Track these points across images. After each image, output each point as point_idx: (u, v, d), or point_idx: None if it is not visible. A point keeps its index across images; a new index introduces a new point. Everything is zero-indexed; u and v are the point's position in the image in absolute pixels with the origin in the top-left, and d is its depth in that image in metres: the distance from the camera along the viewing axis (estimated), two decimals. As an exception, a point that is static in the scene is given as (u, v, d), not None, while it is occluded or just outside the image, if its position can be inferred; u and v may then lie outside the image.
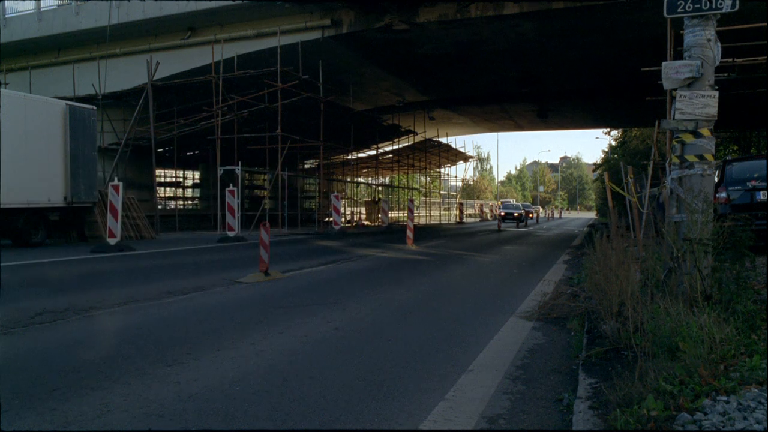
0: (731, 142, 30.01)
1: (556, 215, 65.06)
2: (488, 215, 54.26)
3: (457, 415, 3.46)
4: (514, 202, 52.03)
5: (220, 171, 19.96)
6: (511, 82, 25.02)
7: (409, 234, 15.87)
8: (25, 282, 8.28)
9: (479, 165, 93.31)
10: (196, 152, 29.32)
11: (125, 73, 20.69)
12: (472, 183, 75.49)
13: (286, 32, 18.59)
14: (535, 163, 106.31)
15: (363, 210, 37.88)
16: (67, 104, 14.40)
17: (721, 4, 5.20)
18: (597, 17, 16.05)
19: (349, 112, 25.57)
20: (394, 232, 23.94)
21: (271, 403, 3.53)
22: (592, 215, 67.13)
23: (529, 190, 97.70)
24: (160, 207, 22.94)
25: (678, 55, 6.61)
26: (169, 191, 31.36)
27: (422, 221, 39.06)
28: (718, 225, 5.03)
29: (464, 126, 38.74)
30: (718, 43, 5.44)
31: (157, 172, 22.85)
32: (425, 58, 20.98)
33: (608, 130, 41.08)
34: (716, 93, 5.30)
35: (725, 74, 11.66)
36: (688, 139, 5.34)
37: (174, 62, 20.28)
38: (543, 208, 70.52)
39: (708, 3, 5.23)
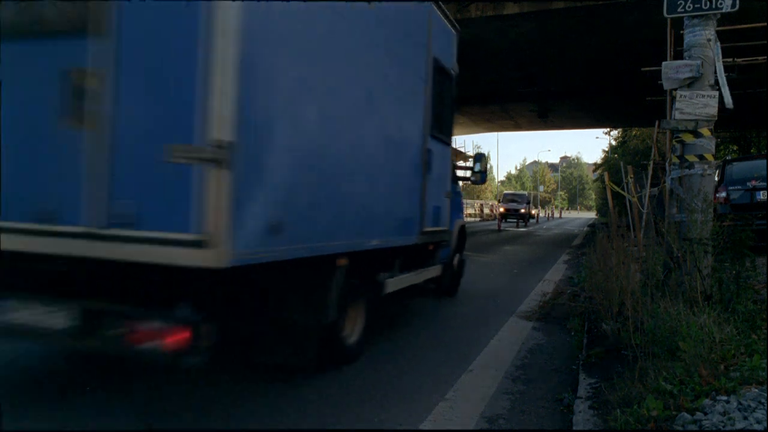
0: (731, 142, 29.99)
1: (556, 215, 65.03)
2: (489, 215, 54.24)
3: (457, 415, 3.47)
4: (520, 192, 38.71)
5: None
6: (511, 82, 24.99)
7: (409, 234, 15.79)
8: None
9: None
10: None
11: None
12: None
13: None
14: (535, 163, 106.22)
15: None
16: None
17: (721, 3, 5.20)
18: (597, 17, 16.04)
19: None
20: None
21: (271, 403, 3.53)
22: (592, 215, 67.08)
23: (529, 189, 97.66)
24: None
25: (678, 55, 6.61)
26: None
27: (422, 221, 38.87)
28: (717, 225, 5.04)
29: (464, 126, 38.65)
30: (718, 43, 5.45)
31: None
32: (425, 58, 20.95)
33: (608, 130, 41.01)
34: (716, 93, 5.31)
35: (725, 74, 11.64)
36: (688, 139, 5.34)
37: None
38: (543, 207, 70.23)
39: (708, 3, 5.24)
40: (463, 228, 7.92)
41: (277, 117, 3.05)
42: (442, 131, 5.98)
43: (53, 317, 2.97)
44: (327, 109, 3.55)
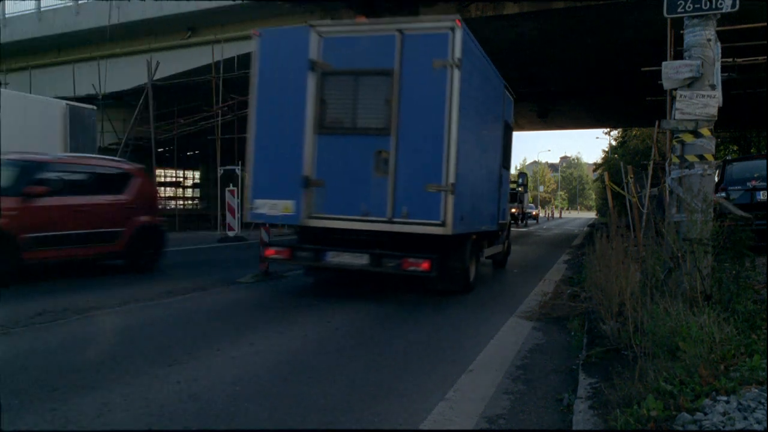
0: (731, 142, 29.98)
1: (556, 215, 64.99)
2: None
3: (457, 415, 3.47)
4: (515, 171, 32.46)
5: (220, 171, 19.91)
6: (511, 82, 24.93)
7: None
8: (24, 282, 8.27)
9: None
10: (196, 152, 29.21)
11: (125, 73, 20.64)
12: (472, 183, 74.79)
13: (287, 32, 18.61)
14: (535, 163, 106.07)
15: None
16: (67, 104, 14.38)
17: (721, 4, 5.20)
18: (597, 17, 16.04)
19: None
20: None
21: (271, 403, 3.53)
22: (592, 215, 67.05)
23: (529, 189, 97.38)
24: (160, 207, 22.88)
25: (678, 55, 6.61)
26: (170, 191, 31.33)
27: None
28: (717, 225, 5.03)
29: (464, 126, 38.51)
30: (718, 43, 5.44)
31: (158, 171, 22.83)
32: (425, 58, 20.95)
33: (608, 130, 40.98)
34: (716, 93, 5.30)
35: (725, 74, 11.62)
36: (688, 139, 5.33)
37: (174, 62, 20.24)
38: (543, 207, 69.97)
39: (708, 3, 5.23)
40: (509, 222, 12.14)
41: (464, 169, 6.80)
42: (506, 162, 10.47)
43: (358, 259, 6.82)
44: (471, 162, 7.33)
